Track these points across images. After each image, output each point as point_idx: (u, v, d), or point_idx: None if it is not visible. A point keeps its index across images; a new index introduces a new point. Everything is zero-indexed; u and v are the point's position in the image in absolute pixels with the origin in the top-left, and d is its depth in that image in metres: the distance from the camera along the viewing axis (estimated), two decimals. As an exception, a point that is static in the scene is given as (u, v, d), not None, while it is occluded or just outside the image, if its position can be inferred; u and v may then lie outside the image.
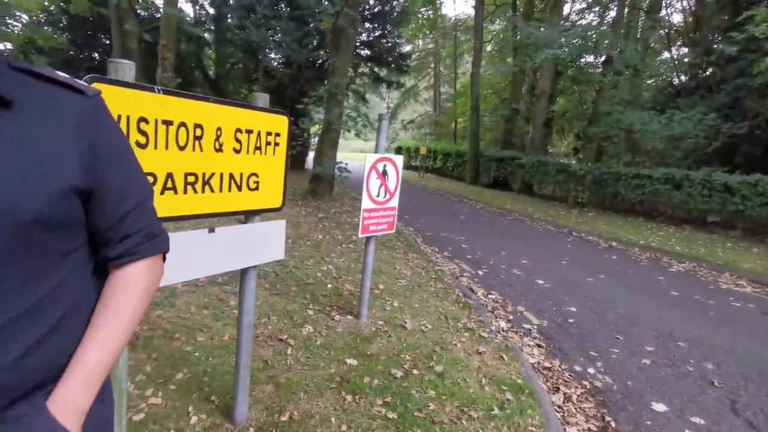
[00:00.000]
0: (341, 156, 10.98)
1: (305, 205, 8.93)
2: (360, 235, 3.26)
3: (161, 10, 11.49)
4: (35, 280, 0.64)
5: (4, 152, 0.60)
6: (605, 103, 12.35)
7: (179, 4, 12.70)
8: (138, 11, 13.17)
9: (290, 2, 13.81)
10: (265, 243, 1.98)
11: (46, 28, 13.75)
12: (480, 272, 5.43)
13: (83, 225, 0.71)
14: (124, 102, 1.32)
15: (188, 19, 14.73)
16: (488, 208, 12.05)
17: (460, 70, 28.49)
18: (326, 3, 10.84)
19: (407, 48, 21.99)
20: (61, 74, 0.70)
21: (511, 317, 4.00)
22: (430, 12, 24.68)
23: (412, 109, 33.05)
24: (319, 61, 15.33)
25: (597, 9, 19.90)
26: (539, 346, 3.46)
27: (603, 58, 13.29)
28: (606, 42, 12.20)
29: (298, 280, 4.27)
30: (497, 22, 25.17)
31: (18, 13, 11.69)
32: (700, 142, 11.23)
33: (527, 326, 3.81)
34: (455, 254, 6.28)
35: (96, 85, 1.21)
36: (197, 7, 16.37)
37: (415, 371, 2.75)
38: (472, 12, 23.00)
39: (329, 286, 4.20)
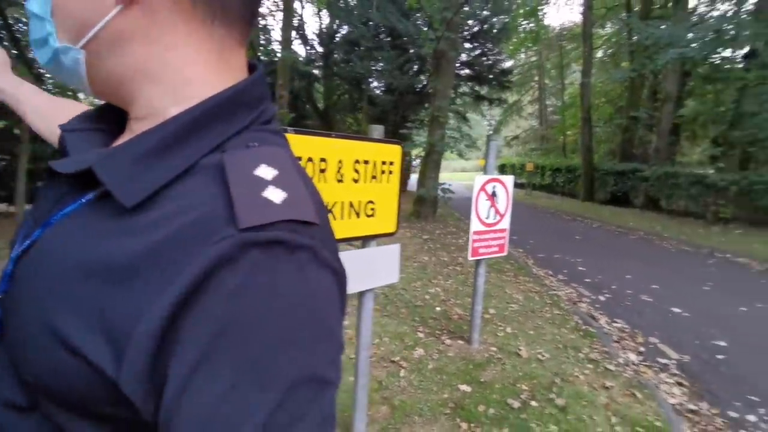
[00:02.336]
0: (443, 177, 11.03)
1: (410, 227, 9.08)
2: (470, 258, 3.21)
3: (278, 54, 12.85)
4: None
5: (57, 273, 0.39)
6: (751, 102, 10.65)
7: (292, 46, 14.11)
8: (261, 57, 14.88)
9: (391, 32, 14.45)
10: (381, 266, 2.06)
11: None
12: (601, 297, 4.96)
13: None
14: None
15: (301, 59, 16.21)
16: (606, 227, 11.02)
17: (568, 80, 26.98)
18: (426, 29, 11.14)
19: (509, 63, 21.51)
20: (260, 172, 0.38)
21: (642, 349, 3.57)
22: (532, 25, 23.89)
23: (515, 125, 32.04)
24: (420, 86, 15.72)
25: (733, -3, 17.47)
26: (680, 384, 3.03)
27: (745, 51, 11.56)
28: (747, 32, 10.59)
29: (407, 302, 4.33)
30: (608, 26, 23.44)
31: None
32: None
33: (663, 361, 3.36)
34: (571, 278, 5.83)
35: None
36: (308, 47, 17.96)
37: (533, 402, 2.59)
38: (578, 19, 21.82)
39: (438, 309, 4.19)
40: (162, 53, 0.42)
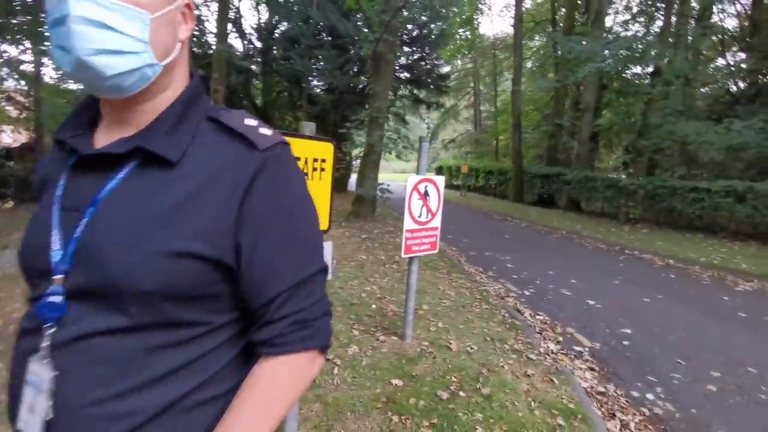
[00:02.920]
0: (383, 177, 11.17)
1: (348, 227, 9.10)
2: (403, 256, 3.30)
3: (213, 47, 12.34)
4: (160, 354, 0.59)
5: (134, 218, 0.58)
6: (656, 114, 11.86)
7: (229, 40, 13.59)
8: (193, 49, 14.19)
9: (331, 31, 14.39)
10: (313, 264, 2.06)
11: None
12: (526, 292, 5.30)
13: (226, 299, 0.64)
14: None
15: (238, 53, 15.64)
16: (533, 227, 11.75)
17: (500, 87, 28.34)
18: (366, 30, 11.23)
19: (446, 69, 22.19)
20: (248, 122, 0.66)
21: (560, 339, 3.87)
22: (468, 33, 24.87)
23: (452, 129, 33.09)
24: (360, 86, 15.79)
25: (642, 19, 19.31)
26: (592, 369, 3.32)
27: (651, 69, 12.83)
28: (653, 52, 11.79)
29: (343, 300, 4.35)
30: (537, 38, 24.97)
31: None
32: (765, 152, 10.49)
33: (578, 348, 3.66)
34: (500, 274, 6.16)
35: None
36: (245, 42, 17.37)
37: (461, 393, 2.71)
38: (510, 30, 23.02)
39: (374, 306, 4.25)
40: (181, 67, 0.68)
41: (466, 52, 27.08)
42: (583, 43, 12.39)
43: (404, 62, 16.76)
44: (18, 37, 9.01)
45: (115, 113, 0.65)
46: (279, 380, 0.63)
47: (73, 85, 12.75)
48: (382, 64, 9.92)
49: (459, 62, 29.44)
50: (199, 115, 0.65)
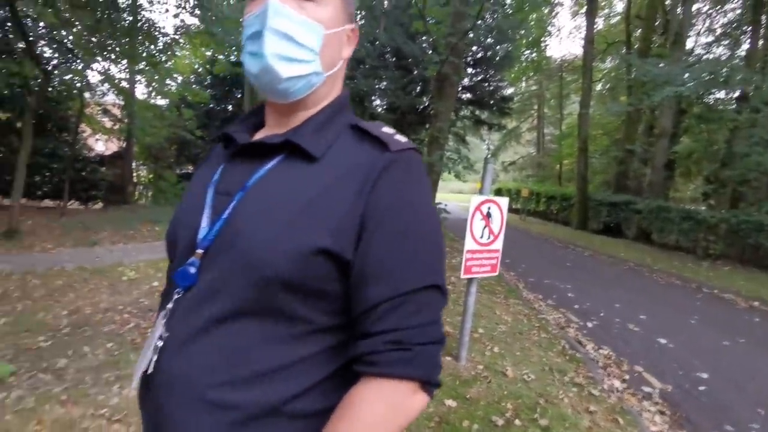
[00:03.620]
0: (440, 197, 11.13)
1: (404, 244, 9.11)
2: (462, 277, 3.28)
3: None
4: (268, 347, 0.60)
5: (275, 205, 0.62)
6: (742, 143, 10.93)
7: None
8: (267, 69, 15.14)
9: (396, 53, 14.76)
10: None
11: (194, 86, 16.41)
12: (589, 324, 5.02)
13: (338, 300, 0.62)
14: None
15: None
16: (598, 256, 11.14)
17: (566, 110, 27.48)
18: (431, 52, 11.41)
19: (510, 90, 21.90)
20: (386, 129, 0.69)
21: (626, 377, 3.62)
22: (534, 55, 24.46)
23: (513, 151, 32.43)
24: (422, 107, 15.97)
25: (727, 42, 18.05)
26: (662, 412, 3.07)
27: (737, 94, 11.91)
28: (739, 77, 10.94)
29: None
30: (608, 60, 24.05)
31: (175, 75, 14.25)
32: None
33: (647, 389, 3.41)
34: (560, 303, 5.90)
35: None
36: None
37: (517, 421, 2.62)
38: (579, 52, 22.38)
39: (428, 325, 4.22)
40: (338, 82, 0.76)
41: (532, 74, 26.61)
42: (661, 65, 11.75)
43: (467, 83, 16.75)
44: (115, 57, 10.10)
45: (277, 117, 0.73)
46: (373, 407, 0.57)
47: (161, 101, 14.06)
48: (446, 85, 10.00)
49: (523, 84, 28.97)
50: (343, 121, 0.71)
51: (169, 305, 0.65)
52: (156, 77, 11.81)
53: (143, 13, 10.23)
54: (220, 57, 15.83)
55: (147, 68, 11.18)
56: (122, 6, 9.55)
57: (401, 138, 0.68)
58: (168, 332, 0.63)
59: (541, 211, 22.65)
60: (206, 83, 17.45)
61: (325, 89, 0.73)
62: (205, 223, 0.66)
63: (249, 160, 0.69)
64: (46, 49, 9.39)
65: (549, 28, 23.70)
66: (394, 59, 15.09)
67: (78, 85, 10.21)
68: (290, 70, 0.65)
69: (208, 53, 16.38)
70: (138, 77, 12.57)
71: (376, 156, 0.64)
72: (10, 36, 8.86)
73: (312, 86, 0.70)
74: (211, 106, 17.27)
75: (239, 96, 16.82)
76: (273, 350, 0.59)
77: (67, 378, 2.71)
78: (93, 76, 17.23)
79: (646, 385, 3.50)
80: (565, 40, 70.27)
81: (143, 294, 4.60)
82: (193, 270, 0.64)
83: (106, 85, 11.11)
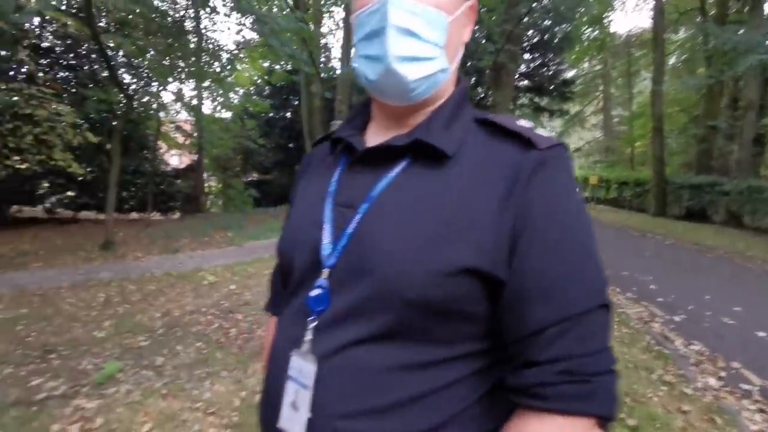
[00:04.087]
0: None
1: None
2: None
3: (337, 71, 13.37)
4: (407, 374, 0.53)
5: (409, 218, 0.55)
6: None
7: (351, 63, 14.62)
8: (321, 75, 15.60)
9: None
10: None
11: (254, 97, 17.28)
12: (676, 318, 4.66)
13: (484, 322, 0.56)
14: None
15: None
16: (681, 244, 10.28)
17: (636, 89, 25.60)
18: (484, 42, 11.14)
19: (571, 73, 20.84)
20: (522, 122, 0.60)
21: (723, 374, 3.32)
22: (597, 32, 23.01)
23: (577, 137, 30.79)
24: (477, 98, 15.64)
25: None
26: (762, 411, 2.79)
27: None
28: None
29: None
30: (681, 31, 22.07)
31: (237, 88, 15.13)
32: None
33: (746, 387, 3.11)
34: (642, 296, 5.52)
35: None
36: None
37: (602, 422, 2.50)
38: (648, 24, 20.76)
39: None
40: (456, 71, 0.66)
41: (595, 54, 25.07)
42: (741, 32, 10.59)
43: (524, 70, 16.16)
44: (185, 77, 10.89)
45: (392, 116, 0.65)
46: None
47: (225, 113, 14.96)
48: (503, 75, 9.74)
49: (586, 65, 27.37)
50: (468, 115, 0.63)
51: (307, 337, 0.58)
52: (221, 92, 12.60)
53: (207, 34, 10.97)
54: (277, 67, 16.54)
55: (212, 84, 11.96)
56: (188, 30, 10.28)
57: (543, 132, 0.59)
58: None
59: (612, 199, 21.27)
60: (265, 93, 18.31)
61: (447, 81, 0.64)
62: (327, 239, 0.60)
63: (370, 166, 0.62)
64: (126, 75, 10.38)
65: (612, 2, 22.16)
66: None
67: (154, 105, 11.15)
68: (417, 71, 0.57)
69: (266, 64, 17.18)
70: (205, 93, 13.48)
71: (521, 155, 0.55)
72: (95, 67, 9.87)
73: (438, 84, 0.61)
74: (271, 114, 18.08)
75: (296, 103, 17.45)
76: (413, 377, 0.54)
77: (166, 374, 2.98)
78: (166, 97, 18.66)
79: (744, 382, 3.18)
80: (630, 13, 65.38)
81: (223, 296, 4.93)
82: (323, 292, 0.58)
83: (179, 104, 12.05)
